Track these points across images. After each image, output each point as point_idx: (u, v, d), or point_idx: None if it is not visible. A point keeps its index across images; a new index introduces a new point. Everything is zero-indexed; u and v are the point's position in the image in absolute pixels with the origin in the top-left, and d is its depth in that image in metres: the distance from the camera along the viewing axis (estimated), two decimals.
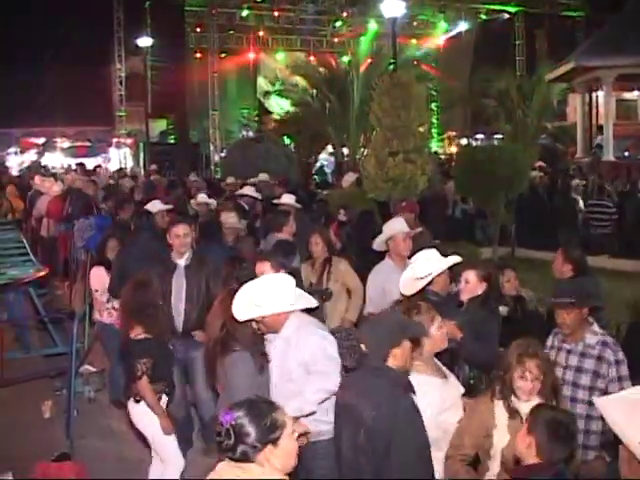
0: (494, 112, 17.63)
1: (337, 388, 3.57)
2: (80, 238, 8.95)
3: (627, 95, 25.15)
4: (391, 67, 15.23)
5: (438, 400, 3.41)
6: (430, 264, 4.39)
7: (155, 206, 7.78)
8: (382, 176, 10.70)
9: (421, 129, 11.40)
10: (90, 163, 20.55)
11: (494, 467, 3.31)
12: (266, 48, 27.83)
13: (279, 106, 26.47)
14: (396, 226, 5.67)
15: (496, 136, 20.92)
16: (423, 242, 5.76)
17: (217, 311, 3.93)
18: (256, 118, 26.71)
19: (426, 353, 3.53)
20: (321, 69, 23.34)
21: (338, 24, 27.42)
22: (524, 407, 3.17)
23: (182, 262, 5.47)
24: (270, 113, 26.84)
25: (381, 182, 10.73)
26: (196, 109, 25.65)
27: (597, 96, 20.47)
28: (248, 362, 3.70)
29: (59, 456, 4.86)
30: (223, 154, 23.82)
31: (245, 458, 2.33)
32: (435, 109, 27.62)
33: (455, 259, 4.51)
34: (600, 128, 20.10)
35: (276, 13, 26.28)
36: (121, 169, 20.83)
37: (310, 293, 4.14)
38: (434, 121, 26.86)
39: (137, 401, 4.37)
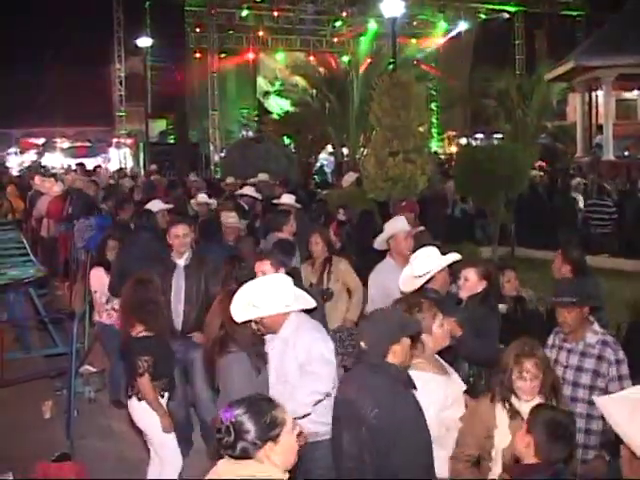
0: (494, 112, 17.67)
1: (330, 390, 3.58)
2: (80, 238, 8.96)
3: (627, 95, 25.17)
4: (391, 67, 15.22)
5: (441, 397, 3.41)
6: (430, 262, 4.39)
7: (156, 205, 7.78)
8: (382, 176, 10.72)
9: (421, 129, 11.42)
10: (90, 163, 20.51)
11: (496, 468, 3.31)
12: (266, 48, 27.82)
13: (279, 106, 26.48)
14: (397, 225, 5.68)
15: (496, 136, 20.95)
16: (424, 241, 5.76)
17: (216, 311, 3.93)
18: (256, 118, 26.68)
19: (428, 351, 3.53)
20: (321, 69, 23.37)
21: (338, 24, 27.39)
22: (525, 407, 3.17)
23: (182, 262, 5.50)
24: (270, 113, 26.83)
25: (381, 182, 10.75)
26: (196, 109, 25.64)
27: (597, 95, 20.46)
28: (244, 363, 3.70)
29: (59, 456, 4.86)
30: (223, 154, 23.80)
31: (245, 455, 2.34)
32: (435, 109, 27.64)
33: (455, 257, 4.51)
34: (600, 127, 20.08)
35: (276, 13, 26.25)
36: (121, 169, 20.83)
37: (311, 293, 4.14)
38: (434, 121, 26.87)
39: (139, 399, 4.37)
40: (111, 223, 8.58)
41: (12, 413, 6.00)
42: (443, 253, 4.53)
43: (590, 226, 12.64)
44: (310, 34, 27.60)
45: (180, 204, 9.33)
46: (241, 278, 4.16)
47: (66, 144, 27.12)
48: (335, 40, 28.07)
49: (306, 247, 6.25)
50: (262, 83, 28.02)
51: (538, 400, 3.25)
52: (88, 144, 26.98)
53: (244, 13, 25.86)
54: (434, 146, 25.52)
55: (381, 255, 5.70)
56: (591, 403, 3.68)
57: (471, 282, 4.43)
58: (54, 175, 17.46)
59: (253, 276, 4.12)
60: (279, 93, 26.54)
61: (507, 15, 27.25)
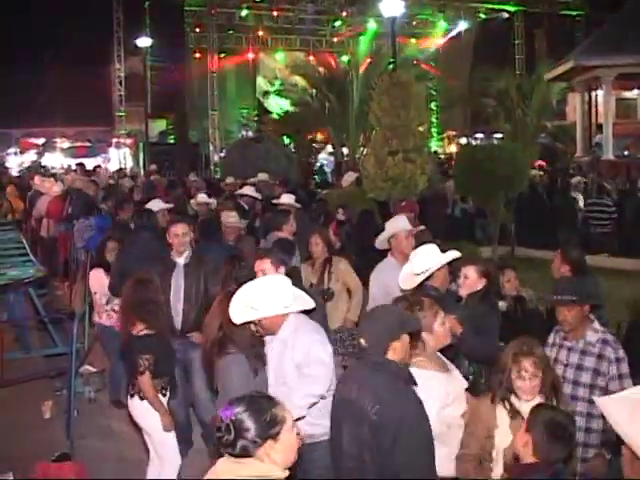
0: (494, 111, 17.68)
1: (325, 393, 3.58)
2: (80, 238, 8.95)
3: (627, 94, 25.16)
4: (390, 67, 15.24)
5: (443, 395, 3.40)
6: (429, 259, 4.39)
7: (157, 205, 7.79)
8: (382, 175, 10.72)
9: (421, 128, 11.42)
10: (90, 163, 20.52)
11: (497, 468, 3.31)
12: (265, 48, 27.83)
13: (278, 106, 26.49)
14: (399, 224, 5.68)
15: (496, 135, 20.95)
16: (424, 240, 5.76)
17: (215, 313, 3.92)
18: (255, 118, 26.69)
19: (430, 349, 3.52)
20: (320, 69, 23.35)
21: (337, 24, 27.40)
22: (525, 407, 3.16)
23: (181, 261, 5.52)
24: (269, 113, 26.84)
25: (381, 181, 10.75)
26: (195, 109, 25.67)
27: (596, 95, 20.47)
28: (242, 365, 3.70)
29: (59, 456, 4.86)
30: (222, 154, 23.82)
31: (245, 453, 2.33)
32: (435, 108, 27.66)
33: (454, 254, 4.51)
34: (600, 127, 20.09)
35: (275, 13, 26.26)
36: (121, 169, 20.83)
37: (310, 293, 4.13)
38: (434, 120, 26.90)
39: (141, 398, 4.37)
40: (111, 223, 8.58)
41: (12, 413, 6.00)
42: (443, 251, 4.53)
43: (590, 225, 12.64)
44: (310, 34, 27.61)
45: (180, 204, 9.33)
46: (241, 278, 4.15)
47: (66, 144, 27.12)
48: (335, 40, 28.08)
49: (306, 247, 6.25)
50: (262, 83, 28.02)
51: (538, 400, 3.25)
52: (88, 144, 26.98)
53: (244, 13, 25.88)
54: (434, 146, 25.53)
55: (381, 255, 5.69)
56: (591, 401, 3.67)
57: (471, 280, 4.43)
58: (54, 175, 17.45)
59: (253, 276, 4.12)
60: (279, 93, 26.55)
61: (507, 15, 27.27)
